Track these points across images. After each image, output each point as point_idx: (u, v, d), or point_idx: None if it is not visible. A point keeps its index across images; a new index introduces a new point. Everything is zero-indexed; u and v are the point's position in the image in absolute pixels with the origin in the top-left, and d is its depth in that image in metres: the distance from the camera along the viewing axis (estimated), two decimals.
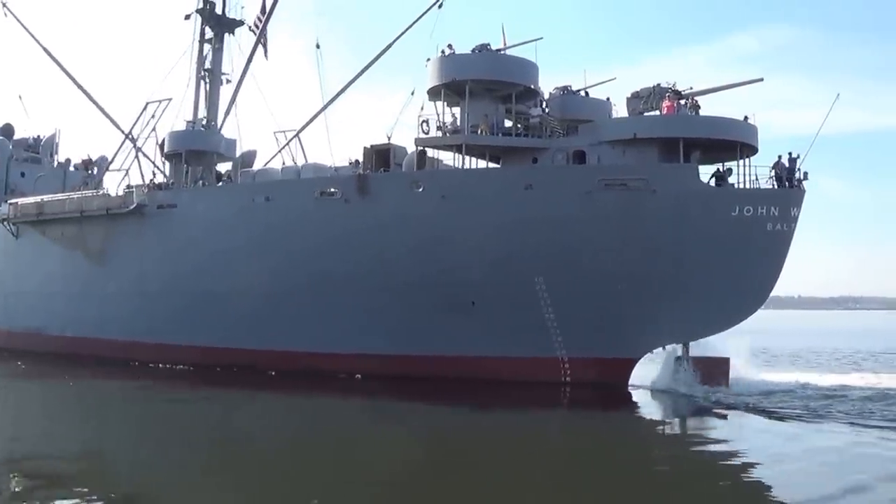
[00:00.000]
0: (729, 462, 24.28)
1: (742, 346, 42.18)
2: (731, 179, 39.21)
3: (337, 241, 41.45)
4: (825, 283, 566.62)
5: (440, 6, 46.47)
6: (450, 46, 41.70)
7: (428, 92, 41.97)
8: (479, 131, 40.45)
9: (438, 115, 41.73)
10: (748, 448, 26.91)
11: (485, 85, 40.80)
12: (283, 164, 49.48)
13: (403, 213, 40.05)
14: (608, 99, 42.97)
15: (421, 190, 39.96)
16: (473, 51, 41.22)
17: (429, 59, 41.71)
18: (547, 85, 42.60)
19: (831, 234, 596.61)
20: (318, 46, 52.87)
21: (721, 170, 39.35)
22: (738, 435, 29.67)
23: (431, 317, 40.04)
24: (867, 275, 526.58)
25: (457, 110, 42.11)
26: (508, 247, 38.40)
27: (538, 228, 37.99)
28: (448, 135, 41.21)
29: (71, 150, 78.41)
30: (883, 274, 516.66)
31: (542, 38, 42.22)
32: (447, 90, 41.33)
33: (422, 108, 42.51)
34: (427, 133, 41.38)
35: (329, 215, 41.78)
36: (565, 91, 43.60)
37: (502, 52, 41.77)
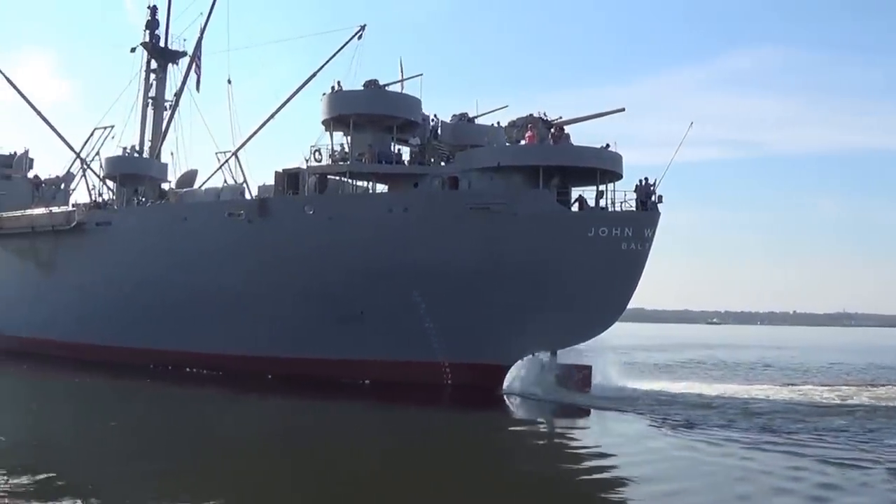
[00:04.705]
0: (574, 451, 26.42)
1: (612, 359, 42.93)
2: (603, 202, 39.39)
3: (242, 257, 42.25)
4: (822, 298, 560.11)
5: (360, 38, 47.19)
6: (339, 83, 42.22)
7: (322, 123, 42.43)
8: (363, 159, 40.78)
9: (331, 144, 42.52)
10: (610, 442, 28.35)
11: (368, 118, 41.26)
12: (224, 181, 49.71)
13: (297, 232, 40.63)
14: (498, 124, 42.89)
15: (312, 212, 40.41)
16: (365, 85, 41.50)
17: (324, 94, 42.13)
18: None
19: (828, 250, 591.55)
20: (229, 82, 52.80)
21: (583, 196, 39.51)
22: (599, 431, 31.28)
23: (326, 325, 40.53)
24: (865, 290, 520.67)
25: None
26: (389, 263, 38.78)
27: (414, 247, 38.38)
28: (337, 162, 41.65)
29: (44, 168, 78.28)
30: (880, 290, 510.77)
31: (422, 75, 43.23)
32: (336, 122, 41.96)
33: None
34: (319, 161, 41.84)
35: (235, 234, 42.47)
36: (462, 118, 43.94)
37: (387, 88, 42.29)
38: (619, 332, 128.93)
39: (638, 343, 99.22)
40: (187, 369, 44.71)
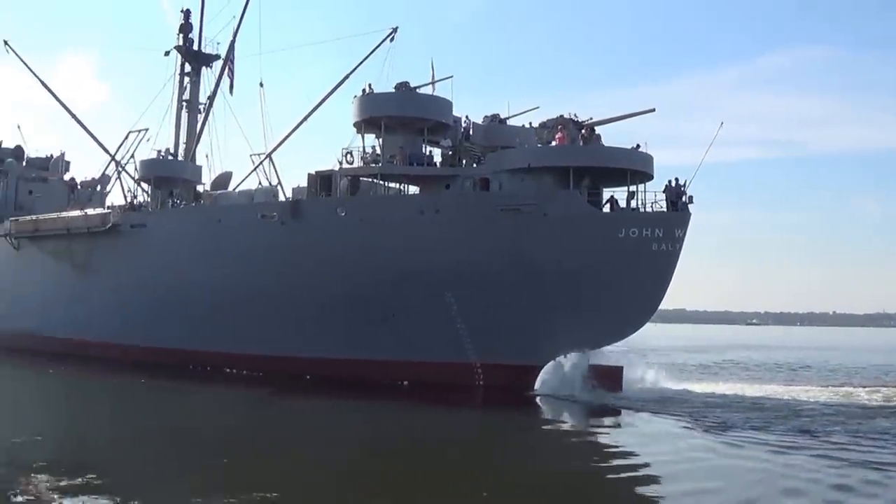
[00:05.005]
0: (601, 450, 26.76)
1: (645, 360, 43.04)
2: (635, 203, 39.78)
3: (275, 259, 42.96)
4: (862, 298, 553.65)
5: (392, 40, 47.91)
6: (370, 86, 42.85)
7: (354, 125, 43.08)
8: (394, 161, 41.40)
9: (362, 146, 43.25)
10: (635, 442, 28.71)
11: (399, 120, 41.82)
12: (259, 183, 50.43)
13: (329, 234, 41.29)
14: (530, 124, 43.35)
15: (343, 214, 41.07)
16: (396, 88, 42.15)
17: (355, 97, 42.78)
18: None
19: (868, 250, 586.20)
20: (261, 85, 53.87)
21: (614, 196, 39.97)
22: (628, 432, 31.42)
23: (359, 326, 41.21)
24: None
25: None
26: (421, 264, 39.36)
27: (446, 248, 38.96)
28: (369, 164, 42.32)
29: (82, 170, 79.81)
30: None
31: (452, 77, 43.71)
32: (368, 124, 42.61)
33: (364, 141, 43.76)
34: (351, 163, 42.48)
35: (268, 236, 43.23)
36: (493, 120, 44.50)
37: (419, 90, 42.87)
38: (659, 333, 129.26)
39: (678, 344, 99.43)
40: (227, 370, 45.50)
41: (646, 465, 24.02)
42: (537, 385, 38.73)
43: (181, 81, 57.86)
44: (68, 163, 71.91)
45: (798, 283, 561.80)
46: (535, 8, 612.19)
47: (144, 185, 55.70)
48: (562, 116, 40.62)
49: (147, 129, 56.58)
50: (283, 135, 51.90)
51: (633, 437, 29.70)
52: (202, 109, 57.71)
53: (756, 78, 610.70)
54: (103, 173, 67.05)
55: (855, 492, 19.42)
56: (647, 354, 67.76)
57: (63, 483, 18.28)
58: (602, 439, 29.45)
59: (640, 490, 20.50)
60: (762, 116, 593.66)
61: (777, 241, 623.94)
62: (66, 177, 70.03)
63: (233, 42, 54.52)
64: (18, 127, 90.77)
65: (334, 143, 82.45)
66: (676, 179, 39.04)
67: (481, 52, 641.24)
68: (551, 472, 22.66)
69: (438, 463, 23.99)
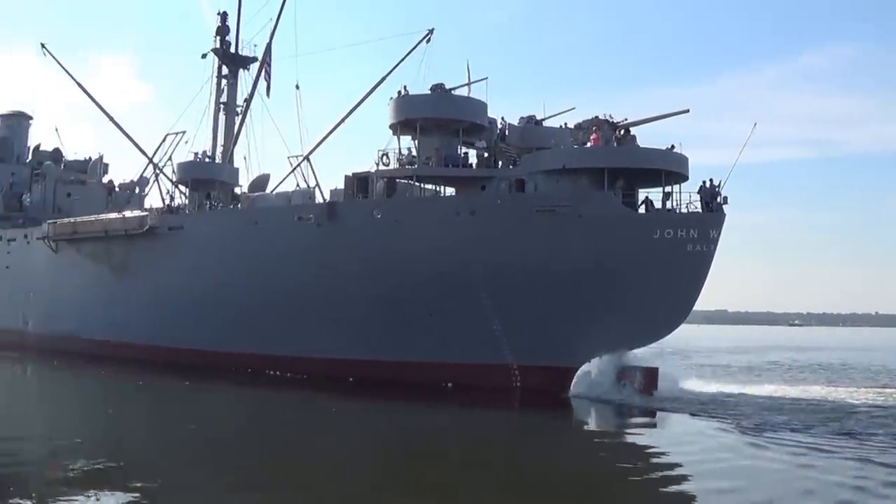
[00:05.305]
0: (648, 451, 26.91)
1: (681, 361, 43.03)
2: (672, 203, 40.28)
3: (312, 260, 43.67)
4: None
5: (428, 41, 48.44)
6: (405, 88, 43.46)
7: (389, 127, 43.65)
8: (430, 163, 41.97)
9: (398, 148, 43.83)
10: (672, 441, 29.19)
11: (434, 122, 42.37)
12: (297, 185, 51.06)
13: (365, 236, 41.94)
14: (565, 125, 43.79)
15: (379, 216, 41.66)
16: (431, 89, 42.67)
17: (391, 98, 43.37)
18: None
19: None
20: (297, 87, 54.29)
21: (649, 197, 40.36)
22: (661, 433, 31.78)
23: (395, 326, 41.76)
24: None
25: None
26: (456, 266, 39.85)
27: (481, 249, 39.43)
28: (405, 166, 42.89)
29: (121, 172, 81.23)
30: None
31: (487, 79, 44.14)
32: (403, 126, 43.17)
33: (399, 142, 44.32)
34: (387, 164, 43.03)
35: (304, 237, 43.96)
36: (529, 121, 44.99)
37: (454, 92, 43.35)
38: (701, 335, 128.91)
39: (720, 345, 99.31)
40: (269, 372, 46.05)
41: (676, 465, 24.34)
42: (573, 387, 39.06)
43: (218, 84, 58.83)
44: (107, 165, 73.32)
45: (839, 284, 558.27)
46: (573, 8, 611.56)
47: (182, 188, 56.57)
48: (597, 118, 40.99)
49: (184, 132, 57.35)
50: (320, 137, 52.55)
51: (665, 439, 30.07)
52: (239, 112, 58.59)
53: (793, 77, 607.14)
54: (141, 175, 68.19)
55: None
56: (689, 356, 68.09)
57: (103, 486, 18.71)
58: (634, 440, 29.93)
59: (668, 490, 20.98)
60: (799, 116, 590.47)
61: (815, 241, 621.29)
62: (105, 179, 71.19)
63: (269, 44, 55.44)
64: (56, 130, 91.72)
65: (372, 144, 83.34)
66: (711, 180, 39.49)
67: (519, 52, 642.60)
68: (577, 472, 23.24)
69: (471, 464, 24.33)
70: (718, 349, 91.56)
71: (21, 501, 17.38)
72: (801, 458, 23.85)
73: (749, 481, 21.32)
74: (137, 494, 18.24)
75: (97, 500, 17.71)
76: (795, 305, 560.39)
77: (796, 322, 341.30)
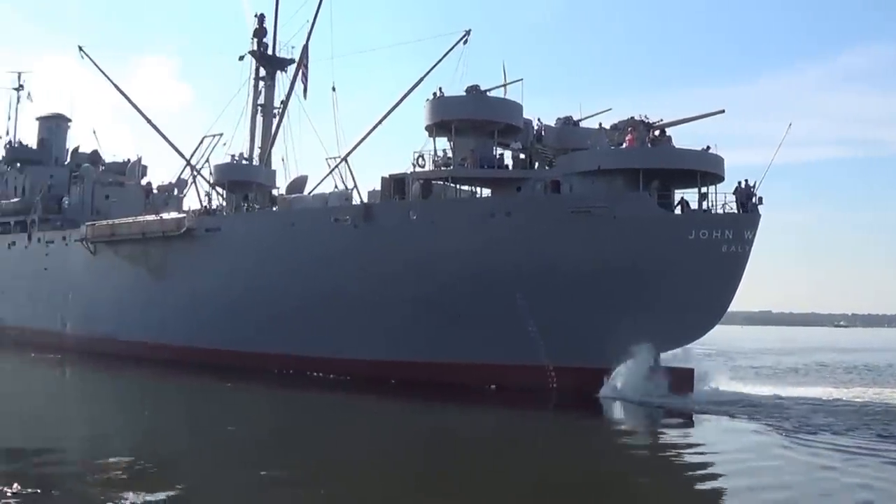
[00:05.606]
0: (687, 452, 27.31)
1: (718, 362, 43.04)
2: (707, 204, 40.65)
3: (349, 262, 44.30)
4: None
5: (465, 42, 48.95)
6: (440, 89, 44.15)
7: (425, 129, 44.30)
8: (465, 164, 42.57)
9: (434, 150, 44.48)
10: (705, 442, 29.84)
11: (470, 123, 42.93)
12: (335, 187, 51.74)
13: (401, 237, 42.59)
14: (600, 125, 44.08)
15: (415, 217, 42.27)
16: (467, 91, 43.24)
17: (427, 100, 44.03)
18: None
19: None
20: (333, 89, 55.13)
21: (685, 198, 40.75)
22: (699, 434, 32.10)
23: (432, 328, 42.33)
24: None
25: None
26: (491, 266, 40.37)
27: (517, 250, 39.90)
28: (440, 168, 43.55)
29: (160, 173, 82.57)
30: None
31: (522, 80, 44.68)
32: (439, 128, 43.80)
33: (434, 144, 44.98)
34: (423, 166, 43.67)
35: (341, 239, 44.62)
36: (566, 122, 45.47)
37: (488, 93, 43.86)
38: (745, 336, 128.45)
39: (764, 346, 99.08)
40: (312, 373, 46.46)
41: (705, 465, 24.73)
42: (607, 388, 39.33)
43: (256, 86, 59.55)
44: (145, 167, 74.40)
45: (884, 284, 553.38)
46: (612, 8, 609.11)
47: (219, 190, 57.39)
48: (632, 118, 41.40)
49: (222, 134, 58.25)
50: (356, 138, 53.13)
51: (697, 440, 30.49)
52: (276, 113, 59.28)
53: (833, 76, 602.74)
54: (179, 177, 69.27)
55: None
56: (733, 357, 68.11)
57: (146, 486, 18.98)
58: (667, 441, 30.32)
59: (698, 487, 21.51)
60: (840, 115, 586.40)
61: (859, 241, 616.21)
62: (143, 181, 72.18)
63: (306, 46, 56.03)
64: (94, 132, 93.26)
65: (410, 145, 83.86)
66: (746, 181, 39.88)
67: (557, 52, 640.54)
68: (615, 473, 23.69)
69: (502, 464, 24.75)
70: (762, 350, 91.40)
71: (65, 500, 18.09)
72: (830, 459, 24.13)
73: (774, 480, 21.75)
74: (178, 490, 18.80)
75: (141, 499, 18.05)
76: (840, 306, 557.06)
77: (841, 323, 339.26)
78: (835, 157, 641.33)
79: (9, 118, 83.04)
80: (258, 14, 60.08)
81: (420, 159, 43.82)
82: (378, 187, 46.30)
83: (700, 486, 21.69)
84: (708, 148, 40.26)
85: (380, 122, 53.01)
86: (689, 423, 34.00)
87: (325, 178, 54.19)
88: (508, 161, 44.20)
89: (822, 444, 26.45)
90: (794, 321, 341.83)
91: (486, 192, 44.70)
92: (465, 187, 45.23)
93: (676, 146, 40.88)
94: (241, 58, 59.16)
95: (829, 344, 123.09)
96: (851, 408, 35.89)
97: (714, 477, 22.91)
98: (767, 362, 67.03)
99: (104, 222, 60.25)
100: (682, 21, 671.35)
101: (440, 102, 43.47)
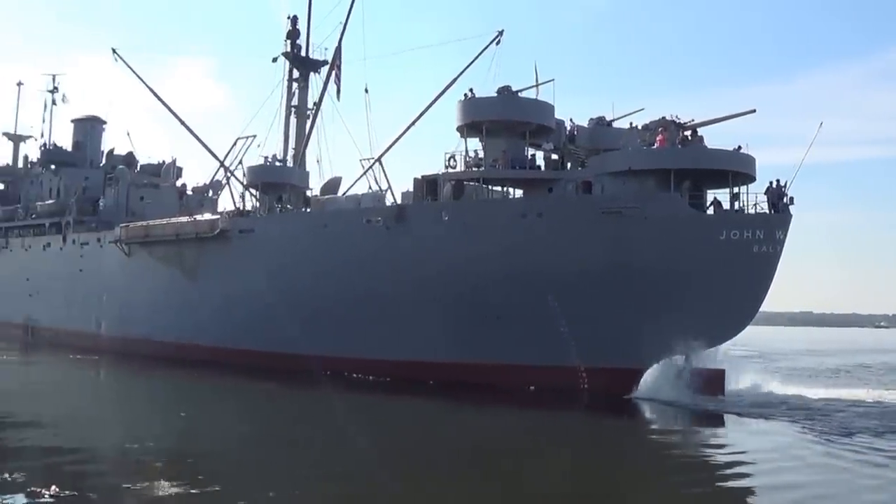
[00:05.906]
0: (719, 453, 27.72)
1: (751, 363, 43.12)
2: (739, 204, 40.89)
3: (381, 263, 44.82)
4: None
5: (498, 43, 49.38)
6: (471, 90, 44.64)
7: (457, 129, 44.78)
8: (497, 165, 43.07)
9: (465, 150, 44.87)
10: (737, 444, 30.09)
11: (501, 124, 43.39)
12: (369, 188, 51.97)
13: (433, 238, 43.08)
14: (631, 125, 44.28)
15: (447, 218, 42.82)
16: (498, 92, 43.71)
17: (459, 101, 44.58)
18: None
19: None
20: (366, 91, 55.66)
21: (717, 198, 41.02)
22: (731, 436, 32.52)
23: (463, 329, 42.71)
24: None
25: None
26: (523, 268, 40.74)
27: (549, 251, 40.28)
28: (472, 169, 44.07)
29: (195, 175, 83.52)
30: None
31: (553, 80, 44.87)
32: (470, 128, 44.26)
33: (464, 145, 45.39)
34: (454, 167, 44.21)
35: (373, 241, 45.18)
36: (599, 122, 45.87)
37: (520, 94, 44.25)
38: (785, 336, 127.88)
39: (804, 347, 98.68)
40: (353, 375, 46.66)
41: (733, 464, 25.08)
42: (639, 388, 39.92)
43: (289, 87, 60.22)
44: (180, 169, 75.32)
45: None
46: (654, 8, 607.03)
47: (253, 191, 58.08)
48: (663, 118, 41.73)
49: (255, 136, 59.01)
50: (389, 139, 53.64)
51: (727, 441, 31.00)
52: (310, 115, 59.90)
53: (872, 75, 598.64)
54: (213, 179, 70.14)
55: None
56: (773, 358, 67.94)
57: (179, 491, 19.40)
58: (697, 442, 30.90)
59: (727, 485, 21.92)
60: (877, 114, 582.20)
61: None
62: (178, 183, 73.02)
63: (338, 47, 56.64)
64: (128, 134, 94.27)
65: (443, 146, 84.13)
66: (778, 181, 40.21)
67: (596, 52, 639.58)
68: (646, 474, 24.24)
69: (542, 464, 25.24)
70: (801, 351, 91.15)
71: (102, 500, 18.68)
72: (867, 462, 24.41)
73: (802, 479, 22.15)
74: (216, 490, 19.43)
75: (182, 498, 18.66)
76: (881, 307, 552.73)
77: (882, 324, 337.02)
78: (872, 157, 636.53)
79: (43, 121, 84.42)
80: (291, 16, 60.94)
81: (452, 160, 44.35)
82: (410, 188, 46.89)
83: (730, 484, 22.08)
84: (739, 148, 40.55)
85: (414, 122, 53.66)
86: (719, 424, 34.38)
87: (358, 178, 54.58)
88: (540, 162, 44.66)
89: (861, 446, 26.72)
90: (834, 322, 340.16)
91: (518, 192, 45.10)
92: (497, 188, 45.69)
93: (709, 146, 41.14)
94: (275, 59, 59.96)
95: (870, 345, 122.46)
96: (885, 410, 36.06)
97: (741, 476, 23.31)
98: (807, 363, 67.21)
99: (138, 224, 61.06)
100: (721, 21, 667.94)
101: (471, 103, 43.99)
